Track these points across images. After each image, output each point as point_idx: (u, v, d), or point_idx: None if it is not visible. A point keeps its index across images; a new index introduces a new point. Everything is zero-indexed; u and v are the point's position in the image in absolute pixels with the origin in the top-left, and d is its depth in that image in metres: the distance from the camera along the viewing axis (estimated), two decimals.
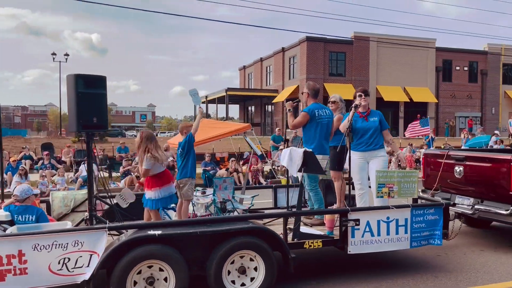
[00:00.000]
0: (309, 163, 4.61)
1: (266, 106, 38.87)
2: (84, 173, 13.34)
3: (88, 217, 4.30)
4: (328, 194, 6.17)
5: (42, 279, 3.70)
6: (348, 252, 4.56)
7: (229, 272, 4.16)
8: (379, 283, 4.58)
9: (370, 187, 5.40)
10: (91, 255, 3.83)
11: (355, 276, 4.78)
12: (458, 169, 5.98)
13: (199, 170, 14.02)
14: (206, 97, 39.78)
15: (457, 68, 34.25)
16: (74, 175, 13.78)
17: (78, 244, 3.80)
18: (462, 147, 20.68)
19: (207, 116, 41.68)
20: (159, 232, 3.93)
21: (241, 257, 4.20)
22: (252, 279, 4.22)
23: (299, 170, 4.74)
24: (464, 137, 24.03)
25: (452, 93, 34.00)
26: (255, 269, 4.23)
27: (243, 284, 4.20)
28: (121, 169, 13.47)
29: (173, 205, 5.77)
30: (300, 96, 32.05)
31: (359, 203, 5.31)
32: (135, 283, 3.91)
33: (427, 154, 6.71)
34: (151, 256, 3.92)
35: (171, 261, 3.95)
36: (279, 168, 14.98)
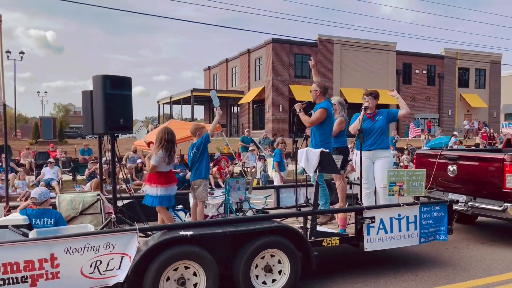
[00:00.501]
0: (324, 164, 4.77)
1: (232, 107, 38.93)
2: (47, 176, 12.98)
3: (115, 219, 4.23)
4: (329, 193, 6.38)
5: (74, 283, 3.64)
6: (365, 249, 4.74)
7: (256, 271, 4.24)
8: (364, 283, 4.69)
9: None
10: (122, 257, 3.80)
11: (339, 275, 4.90)
12: (452, 168, 6.35)
13: None
14: (171, 97, 39.28)
15: (416, 71, 35.78)
16: (35, 179, 13.33)
17: (109, 246, 3.76)
18: (424, 148, 21.76)
19: (170, 117, 41.16)
20: (191, 232, 3.96)
21: (267, 255, 4.29)
22: (276, 278, 4.32)
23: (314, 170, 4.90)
24: (425, 138, 25.22)
25: (412, 96, 35.47)
26: (280, 266, 4.34)
27: (265, 282, 4.28)
28: (86, 172, 13.06)
29: (180, 206, 5.78)
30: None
31: (366, 202, 5.53)
32: (167, 283, 3.91)
33: (420, 154, 7.07)
34: (184, 257, 3.94)
35: (202, 261, 3.98)
36: (248, 169, 14.99)
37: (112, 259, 3.77)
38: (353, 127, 5.66)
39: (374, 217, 4.72)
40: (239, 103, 36.14)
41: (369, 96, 5.66)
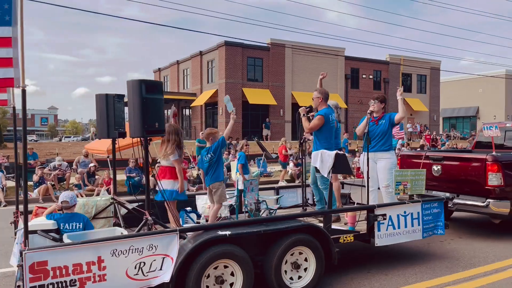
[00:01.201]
0: (339, 165, 5.09)
1: (184, 109, 38.60)
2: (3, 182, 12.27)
3: (152, 222, 4.25)
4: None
5: (120, 285, 3.69)
6: (376, 245, 5.11)
7: (285, 267, 4.45)
8: (338, 282, 4.95)
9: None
10: (163, 258, 3.88)
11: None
12: (436, 168, 6.93)
13: (123, 176, 13.63)
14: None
15: (364, 76, 37.51)
16: None
17: (152, 248, 3.84)
18: None
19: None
20: (229, 232, 4.10)
21: (296, 253, 4.52)
22: (302, 274, 4.56)
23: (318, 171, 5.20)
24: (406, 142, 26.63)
25: (360, 100, 37.11)
26: (306, 263, 4.58)
27: (292, 278, 4.50)
28: (34, 177, 12.43)
29: (189, 208, 5.86)
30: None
31: (370, 200, 5.90)
32: (207, 280, 4.04)
33: (404, 155, 7.61)
34: (223, 256, 4.08)
35: (239, 260, 4.14)
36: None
37: (155, 260, 3.84)
38: (359, 129, 6.04)
39: (385, 214, 5.11)
40: (191, 105, 35.93)
41: (375, 100, 6.05)
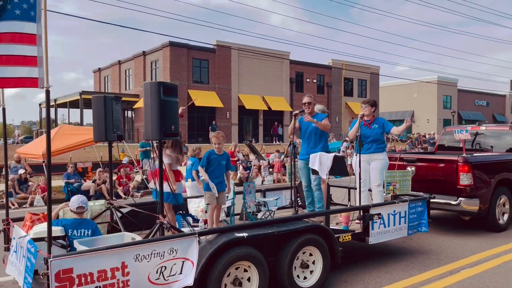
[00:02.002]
0: (337, 166, 5.33)
1: (126, 111, 37.42)
2: None
3: (169, 225, 4.19)
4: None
5: None
6: (370, 243, 5.40)
7: (295, 268, 4.58)
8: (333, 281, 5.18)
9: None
10: (183, 261, 3.88)
11: None
12: (410, 169, 7.41)
13: (61, 183, 13.05)
14: (55, 100, 36.22)
15: (308, 80, 38.69)
16: None
17: (173, 251, 3.83)
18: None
19: (55, 122, 37.92)
20: (246, 234, 4.16)
21: (307, 252, 4.68)
22: (311, 272, 4.73)
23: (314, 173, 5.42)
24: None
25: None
26: (314, 262, 4.75)
27: (299, 277, 4.65)
28: None
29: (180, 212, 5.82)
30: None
31: (362, 200, 6.21)
32: (225, 285, 4.08)
33: None
34: (242, 258, 4.14)
35: (255, 261, 4.22)
36: None
37: (175, 264, 3.83)
38: (351, 133, 6.32)
39: (380, 214, 5.42)
40: (133, 107, 34.95)
41: (366, 104, 6.35)
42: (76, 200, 4.51)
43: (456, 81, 47.53)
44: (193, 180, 8.05)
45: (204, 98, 33.85)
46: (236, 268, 4.17)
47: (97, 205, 5.29)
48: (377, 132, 6.33)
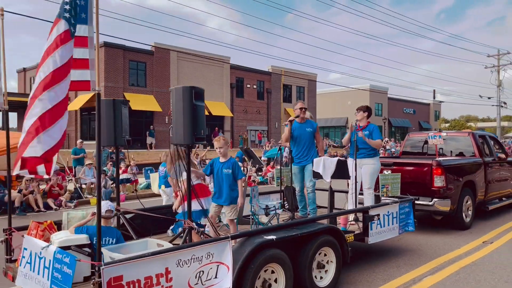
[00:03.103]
0: (339, 170, 5.66)
1: None
2: None
3: (202, 230, 4.21)
4: (295, 197, 7.21)
5: None
6: (369, 243, 5.78)
7: (313, 268, 4.81)
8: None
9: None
10: (218, 265, 3.97)
11: None
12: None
13: None
14: None
15: (248, 86, 39.23)
16: None
17: (210, 256, 3.91)
18: (262, 157, 24.57)
19: None
20: (275, 236, 4.32)
21: (321, 253, 4.93)
22: (326, 272, 4.99)
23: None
24: (263, 148, 28.28)
25: (244, 109, 38.70)
26: (328, 263, 5.01)
27: (319, 277, 4.92)
28: None
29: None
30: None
31: (350, 200, 6.59)
32: (256, 287, 4.19)
33: None
34: (271, 260, 4.30)
35: (282, 263, 4.40)
36: (86, 185, 14.07)
37: (211, 268, 3.92)
38: (345, 140, 6.71)
39: (379, 215, 5.82)
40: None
41: (359, 110, 6.72)
42: (104, 204, 4.38)
43: (387, 90, 50.83)
44: (167, 187, 8.00)
45: (142, 101, 33.09)
46: (265, 270, 4.31)
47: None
48: (367, 137, 6.75)
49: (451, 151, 9.43)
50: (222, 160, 5.33)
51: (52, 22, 3.39)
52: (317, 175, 5.82)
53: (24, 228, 4.71)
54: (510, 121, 70.57)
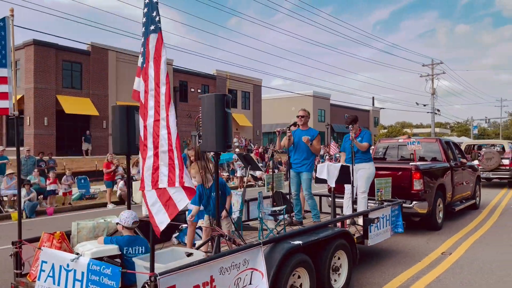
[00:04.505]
0: (342, 175, 6.02)
1: None
2: None
3: (233, 237, 4.33)
4: (285, 202, 7.51)
5: None
6: (368, 245, 6.19)
7: (331, 272, 5.10)
8: None
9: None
10: (252, 272, 4.13)
11: None
12: None
13: None
14: None
15: (192, 89, 39.04)
16: None
17: (246, 262, 4.08)
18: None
19: None
20: (301, 241, 4.56)
21: (336, 256, 5.23)
22: (339, 275, 5.30)
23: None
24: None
25: (188, 113, 38.37)
26: (341, 265, 5.33)
27: (334, 279, 5.20)
28: None
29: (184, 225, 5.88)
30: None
31: (346, 204, 6.98)
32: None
33: None
34: (299, 264, 4.53)
35: (307, 267, 4.65)
36: (7, 198, 13.08)
37: (247, 275, 4.08)
38: (344, 147, 7.14)
39: (378, 218, 6.25)
40: None
41: (350, 125, 7.06)
42: (130, 215, 4.34)
43: (329, 96, 52.85)
44: None
45: (76, 105, 31.85)
46: (293, 275, 4.53)
47: (114, 222, 5.09)
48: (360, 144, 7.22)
49: (420, 156, 10.20)
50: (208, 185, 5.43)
51: None
52: (321, 181, 6.14)
53: (33, 240, 4.58)
54: (441, 127, 76.01)
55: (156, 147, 3.40)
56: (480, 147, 20.77)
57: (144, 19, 3.62)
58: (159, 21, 3.47)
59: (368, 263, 6.67)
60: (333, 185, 6.09)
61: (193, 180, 5.25)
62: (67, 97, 31.20)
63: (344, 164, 6.20)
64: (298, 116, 6.92)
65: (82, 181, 16.20)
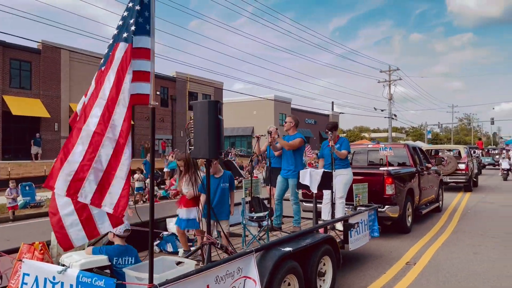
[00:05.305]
0: (324, 181, 6.16)
1: None
2: None
3: (220, 245, 4.32)
4: (263, 207, 7.59)
5: None
6: (350, 249, 6.35)
7: (317, 277, 5.21)
8: None
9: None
10: (245, 280, 4.16)
11: None
12: None
13: None
14: None
15: None
16: None
17: (240, 271, 4.11)
18: (165, 169, 24.57)
19: None
20: (291, 248, 4.63)
21: (322, 261, 5.33)
22: (324, 281, 5.41)
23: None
24: (167, 159, 28.13)
25: (147, 116, 37.82)
26: (325, 272, 5.44)
27: (320, 286, 5.30)
28: None
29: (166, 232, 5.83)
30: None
31: (325, 210, 7.12)
32: None
33: None
34: (289, 271, 4.59)
35: (296, 273, 4.72)
36: None
37: (240, 283, 4.10)
38: (322, 154, 7.29)
39: (358, 223, 6.43)
40: None
41: (330, 131, 7.21)
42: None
43: (290, 100, 53.50)
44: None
45: (25, 106, 30.61)
46: (284, 281, 4.60)
47: None
48: (338, 149, 7.40)
49: (388, 162, 10.56)
50: (218, 175, 5.51)
51: None
52: (304, 186, 6.26)
53: (11, 251, 4.40)
54: (397, 132, 78.70)
55: (89, 159, 3.27)
56: (437, 152, 21.72)
57: (120, 22, 3.47)
58: (134, 32, 3.31)
59: (347, 266, 6.84)
60: (315, 191, 6.22)
61: (185, 191, 5.25)
62: (15, 98, 29.94)
63: (326, 170, 6.34)
64: (285, 123, 7.05)
65: (27, 188, 15.08)
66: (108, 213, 3.43)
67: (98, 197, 3.21)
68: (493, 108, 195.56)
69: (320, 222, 6.43)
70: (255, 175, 19.55)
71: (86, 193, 3.20)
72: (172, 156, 28.02)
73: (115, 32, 3.49)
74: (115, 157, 3.28)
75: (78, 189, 3.20)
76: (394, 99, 47.66)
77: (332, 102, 61.21)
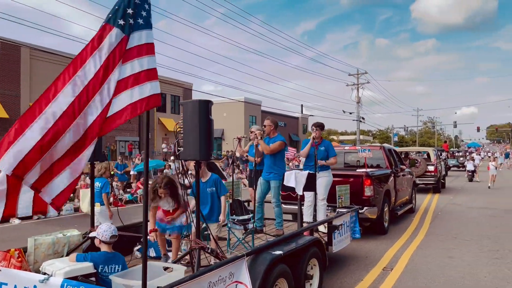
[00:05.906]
0: (309, 183, 6.15)
1: None
2: None
3: (215, 250, 4.22)
4: (244, 210, 7.51)
5: None
6: (333, 251, 6.36)
7: (306, 280, 5.18)
8: None
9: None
10: (236, 284, 4.10)
11: None
12: None
13: None
14: None
15: None
16: None
17: (231, 275, 4.06)
18: (132, 171, 24.19)
19: None
20: (282, 251, 4.59)
21: (310, 264, 5.31)
22: (310, 285, 5.38)
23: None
24: (133, 161, 27.65)
25: None
26: (313, 274, 5.42)
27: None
28: None
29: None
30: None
31: (307, 212, 7.11)
32: None
33: None
34: (280, 275, 4.55)
35: (287, 276, 4.70)
36: None
37: None
38: (303, 152, 7.21)
39: (342, 225, 6.45)
40: None
41: (316, 127, 7.25)
42: (108, 228, 4.06)
43: (260, 103, 53.54)
44: (101, 204, 7.56)
45: None
46: (275, 286, 4.54)
47: (75, 235, 4.76)
48: (322, 154, 7.42)
49: (365, 163, 10.69)
50: (205, 179, 5.38)
51: None
52: (289, 188, 6.22)
53: None
54: (364, 134, 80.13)
55: (50, 140, 2.94)
56: (407, 154, 22.22)
57: (117, 7, 3.19)
58: (140, 27, 3.15)
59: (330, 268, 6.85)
60: (301, 192, 6.20)
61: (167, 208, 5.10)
62: None
63: (311, 172, 6.33)
64: (264, 126, 6.97)
65: None
66: (34, 199, 3.21)
67: (41, 183, 2.91)
68: (456, 113, 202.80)
69: (304, 225, 6.40)
70: (237, 176, 19.29)
71: (32, 176, 2.90)
72: (139, 159, 27.54)
73: (109, 15, 3.19)
74: (76, 148, 2.97)
75: (27, 171, 2.88)
76: (362, 102, 48.46)
77: (302, 105, 61.65)
